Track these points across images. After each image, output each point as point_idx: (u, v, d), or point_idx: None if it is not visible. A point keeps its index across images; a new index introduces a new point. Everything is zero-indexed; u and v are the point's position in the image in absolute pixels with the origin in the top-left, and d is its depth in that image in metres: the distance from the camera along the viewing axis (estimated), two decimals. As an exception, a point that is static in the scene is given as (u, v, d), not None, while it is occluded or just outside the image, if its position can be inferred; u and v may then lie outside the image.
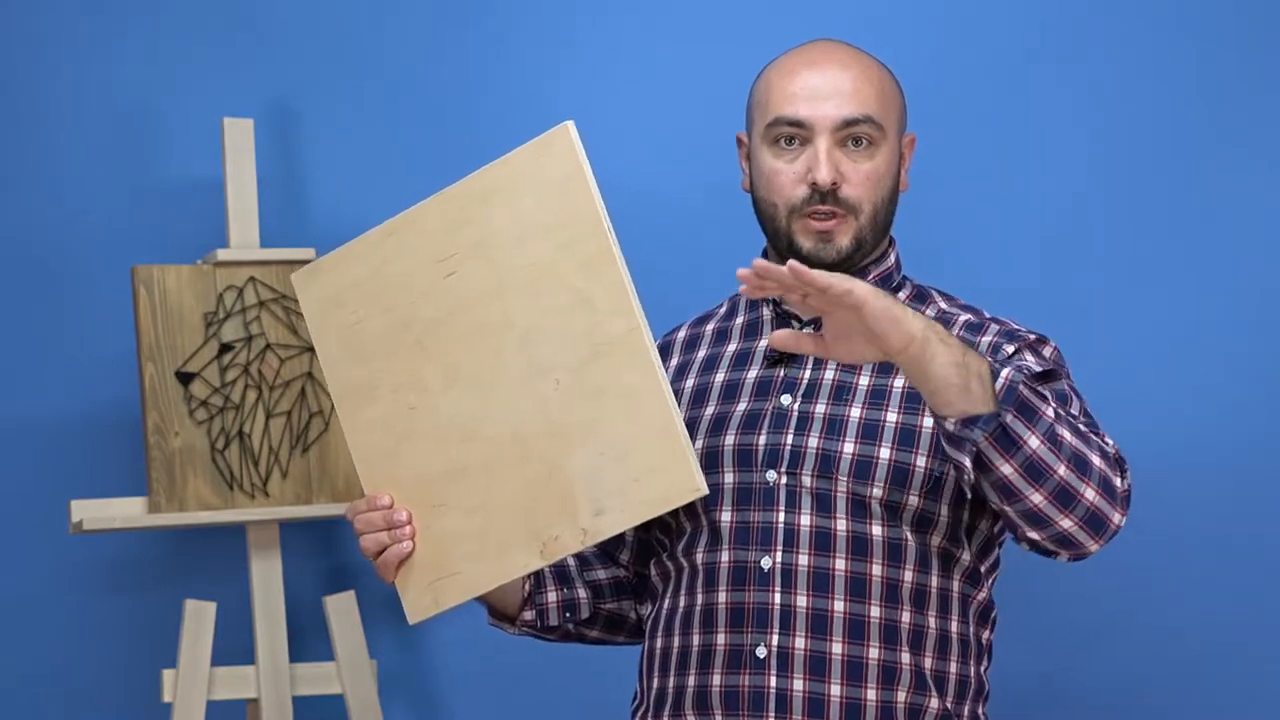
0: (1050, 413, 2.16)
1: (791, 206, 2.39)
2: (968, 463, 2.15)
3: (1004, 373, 2.17)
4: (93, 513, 3.06)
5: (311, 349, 3.20)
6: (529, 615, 2.51)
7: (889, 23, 3.23)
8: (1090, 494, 2.18)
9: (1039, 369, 2.33)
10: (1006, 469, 2.15)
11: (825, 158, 2.36)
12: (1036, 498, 2.17)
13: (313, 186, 3.35)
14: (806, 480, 2.32)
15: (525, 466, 2.27)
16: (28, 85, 3.29)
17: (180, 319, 3.14)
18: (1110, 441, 2.27)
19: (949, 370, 2.12)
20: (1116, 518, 2.21)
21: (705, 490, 2.16)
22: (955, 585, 2.37)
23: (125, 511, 3.08)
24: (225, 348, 3.16)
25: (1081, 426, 2.23)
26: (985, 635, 2.41)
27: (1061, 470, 2.16)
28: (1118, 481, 2.22)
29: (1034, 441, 2.14)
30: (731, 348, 2.48)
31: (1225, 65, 3.18)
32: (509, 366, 2.27)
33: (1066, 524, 2.20)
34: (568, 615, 2.53)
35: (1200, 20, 3.19)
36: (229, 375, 3.15)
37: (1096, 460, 2.19)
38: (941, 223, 3.16)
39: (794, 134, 2.39)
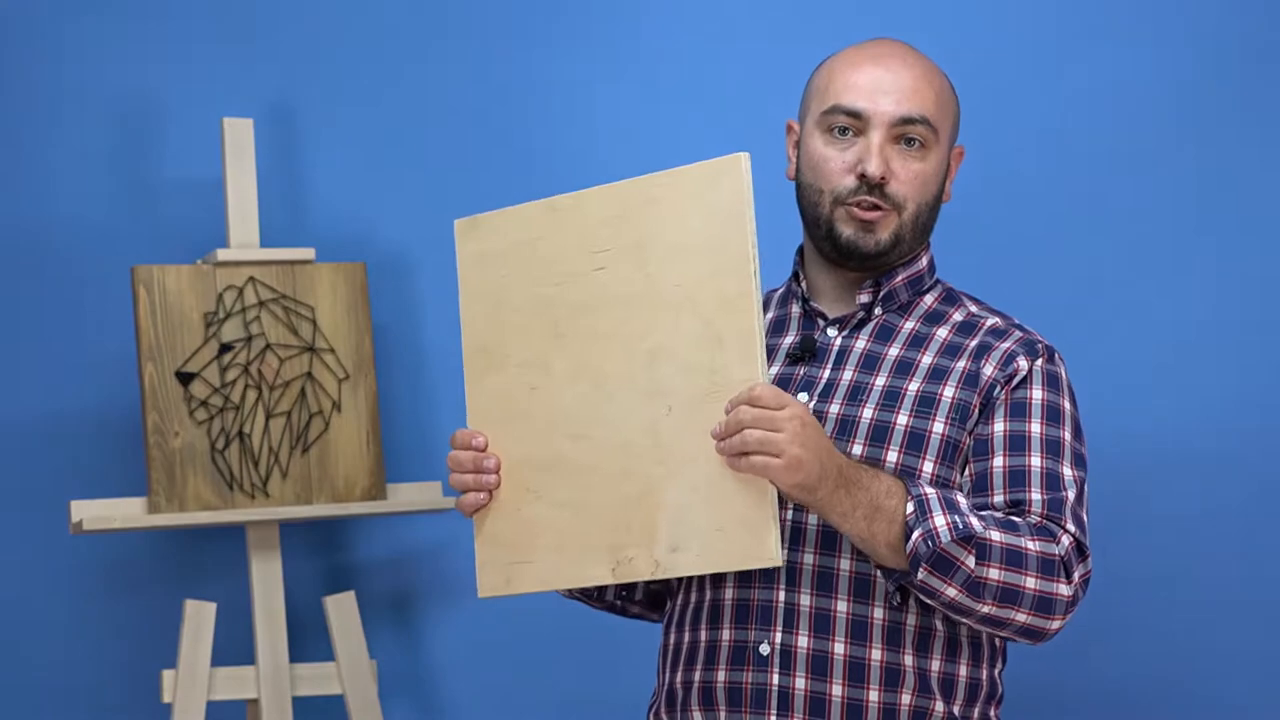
0: (970, 563, 2.23)
1: (836, 195, 2.39)
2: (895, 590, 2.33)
3: (914, 537, 2.22)
4: (93, 513, 3.06)
5: (311, 349, 3.20)
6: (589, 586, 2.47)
7: (887, 23, 3.24)
8: (1021, 617, 2.27)
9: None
10: (933, 604, 2.28)
11: (877, 151, 2.37)
12: (968, 623, 2.30)
13: (313, 186, 3.35)
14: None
15: (622, 480, 2.27)
16: (28, 85, 3.29)
17: (180, 319, 3.14)
18: (1071, 530, 2.31)
19: (857, 543, 2.26)
20: (1055, 625, 2.29)
21: (780, 563, 2.19)
22: None
23: (125, 511, 3.08)
24: (225, 348, 3.16)
25: (1029, 544, 2.26)
26: (997, 638, 2.41)
27: (985, 609, 2.26)
28: (1062, 588, 2.28)
29: (951, 591, 2.25)
30: None
31: (1228, 64, 3.19)
32: (633, 377, 2.27)
33: (1004, 635, 2.31)
34: (623, 593, 2.53)
35: (1204, 18, 3.19)
36: (229, 375, 3.15)
37: (1031, 584, 2.26)
38: (942, 222, 3.16)
39: (849, 124, 2.39)
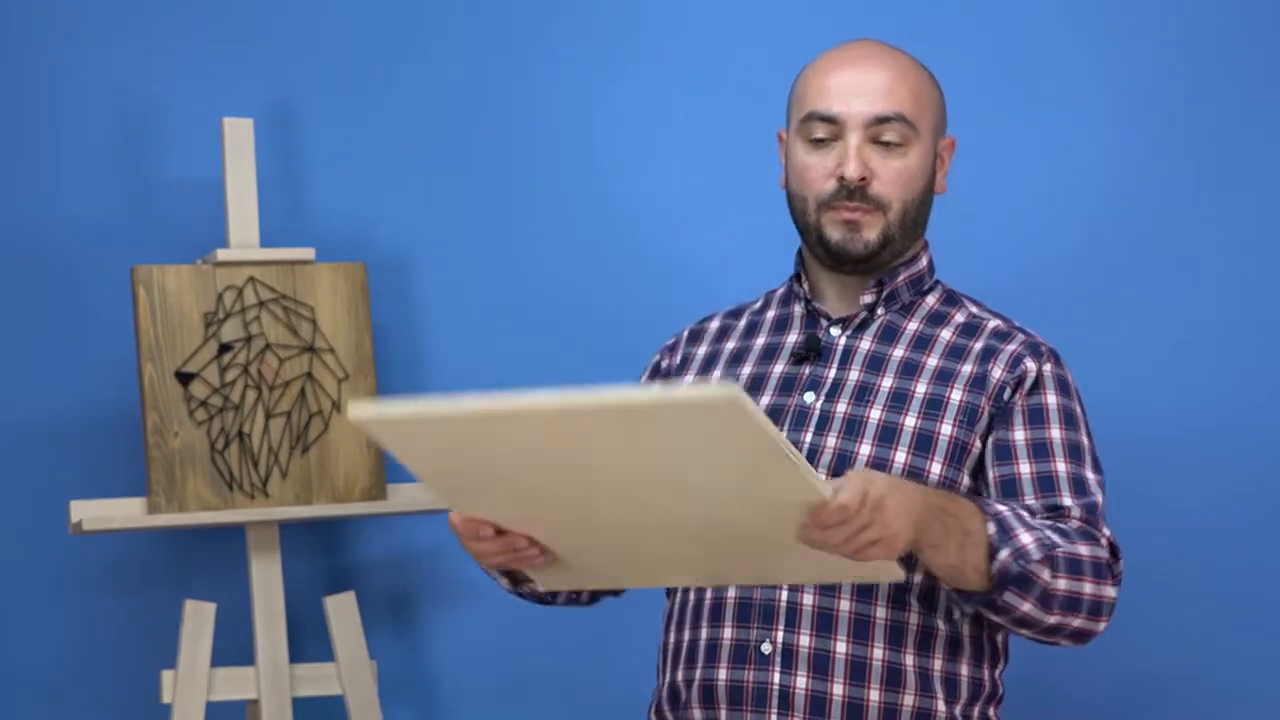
0: (1046, 576, 2.24)
1: (820, 200, 2.41)
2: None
3: (1002, 556, 2.22)
4: (93, 513, 3.05)
5: (311, 348, 3.19)
6: (541, 587, 2.38)
7: (884, 22, 3.24)
8: (1076, 622, 2.29)
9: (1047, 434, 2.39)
10: (1001, 620, 2.29)
11: (855, 153, 2.38)
12: (1028, 634, 2.32)
13: (313, 186, 3.35)
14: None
15: (678, 544, 2.09)
16: (28, 85, 3.29)
17: (180, 319, 3.13)
18: (1106, 534, 2.33)
19: (944, 570, 2.23)
20: (1102, 626, 2.32)
21: (904, 577, 2.15)
22: None
23: (125, 512, 3.08)
24: (225, 348, 3.16)
25: (1082, 549, 2.27)
26: (998, 637, 2.42)
27: (1052, 619, 2.27)
28: (1109, 589, 2.30)
29: (1026, 606, 2.25)
30: (760, 341, 2.49)
31: (1229, 63, 3.19)
32: (661, 504, 2.00)
33: (1054, 641, 2.33)
34: (572, 596, 2.54)
35: (1206, 16, 3.19)
36: (229, 375, 3.15)
37: (1088, 590, 2.28)
38: (939, 222, 3.16)
39: (826, 129, 2.40)
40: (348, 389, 3.21)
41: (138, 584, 3.28)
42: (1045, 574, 2.23)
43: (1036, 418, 2.38)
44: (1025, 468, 2.35)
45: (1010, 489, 2.34)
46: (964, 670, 2.36)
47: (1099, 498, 2.35)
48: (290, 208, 3.34)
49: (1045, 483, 2.34)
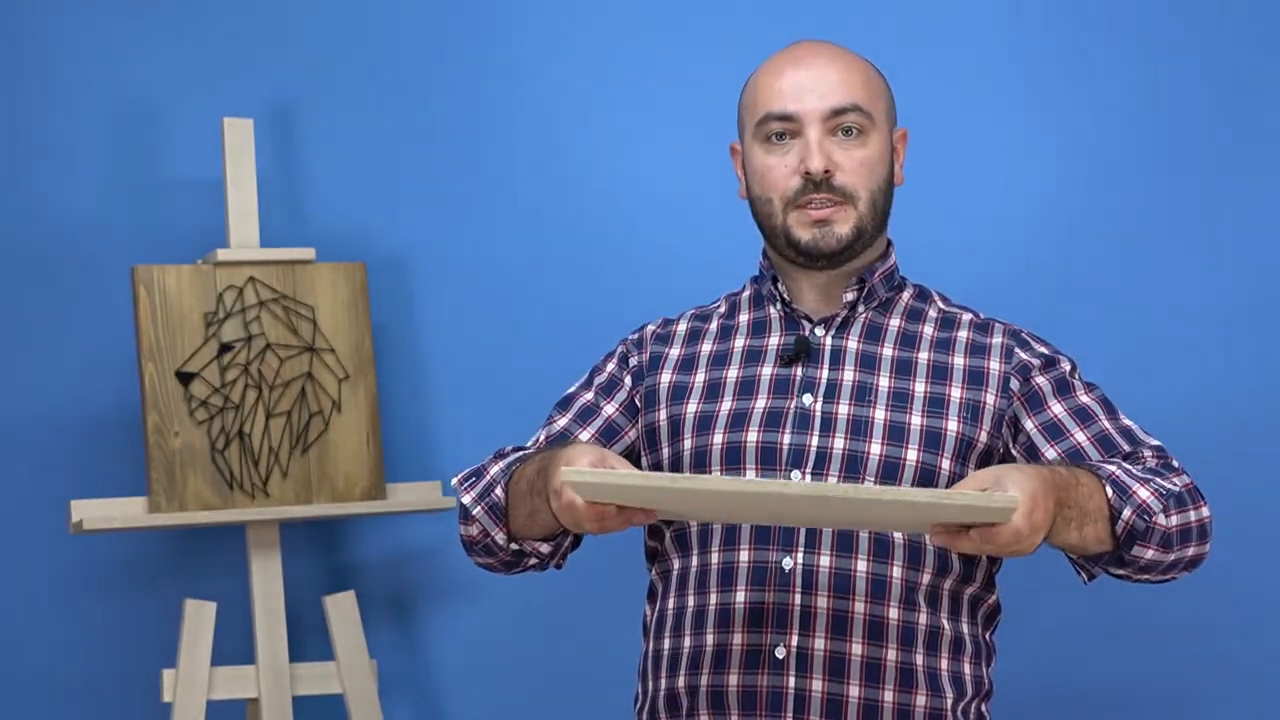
0: (1162, 520, 2.26)
1: (786, 199, 2.41)
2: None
3: (1125, 516, 2.25)
4: (93, 513, 3.06)
5: (311, 349, 3.20)
6: (545, 549, 2.42)
7: (888, 21, 3.25)
8: (1192, 551, 2.32)
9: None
10: (1121, 573, 2.33)
11: (816, 147, 2.38)
12: (1148, 579, 2.34)
13: (313, 186, 3.35)
14: (832, 481, 2.33)
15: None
16: (28, 85, 3.29)
17: (180, 319, 3.14)
18: (1177, 464, 2.37)
19: (1067, 549, 2.28)
20: (1208, 547, 2.33)
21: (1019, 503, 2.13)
22: (970, 589, 2.39)
23: (125, 511, 3.08)
24: (225, 348, 3.16)
25: (1176, 481, 2.30)
26: (990, 635, 2.44)
27: (1171, 557, 2.30)
28: (1205, 510, 2.32)
29: (1149, 553, 2.28)
30: (740, 343, 2.49)
31: (1225, 67, 3.21)
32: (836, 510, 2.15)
33: (1170, 577, 2.35)
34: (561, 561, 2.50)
35: (1202, 13, 3.21)
36: (229, 375, 3.15)
37: (1194, 517, 2.30)
38: (933, 221, 3.18)
39: (784, 129, 2.41)
40: (348, 389, 3.21)
41: (138, 584, 3.28)
42: (1162, 519, 2.27)
43: (1063, 389, 2.41)
44: (1081, 436, 2.38)
45: (1077, 459, 2.37)
46: (967, 669, 2.38)
47: (1152, 437, 2.40)
48: (290, 208, 3.34)
49: (1106, 442, 2.37)
